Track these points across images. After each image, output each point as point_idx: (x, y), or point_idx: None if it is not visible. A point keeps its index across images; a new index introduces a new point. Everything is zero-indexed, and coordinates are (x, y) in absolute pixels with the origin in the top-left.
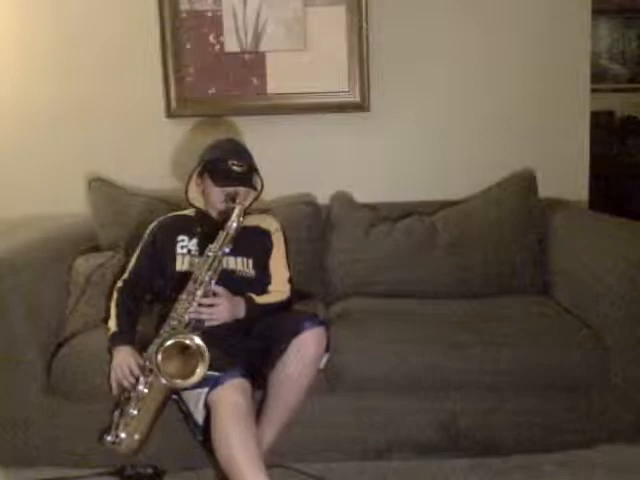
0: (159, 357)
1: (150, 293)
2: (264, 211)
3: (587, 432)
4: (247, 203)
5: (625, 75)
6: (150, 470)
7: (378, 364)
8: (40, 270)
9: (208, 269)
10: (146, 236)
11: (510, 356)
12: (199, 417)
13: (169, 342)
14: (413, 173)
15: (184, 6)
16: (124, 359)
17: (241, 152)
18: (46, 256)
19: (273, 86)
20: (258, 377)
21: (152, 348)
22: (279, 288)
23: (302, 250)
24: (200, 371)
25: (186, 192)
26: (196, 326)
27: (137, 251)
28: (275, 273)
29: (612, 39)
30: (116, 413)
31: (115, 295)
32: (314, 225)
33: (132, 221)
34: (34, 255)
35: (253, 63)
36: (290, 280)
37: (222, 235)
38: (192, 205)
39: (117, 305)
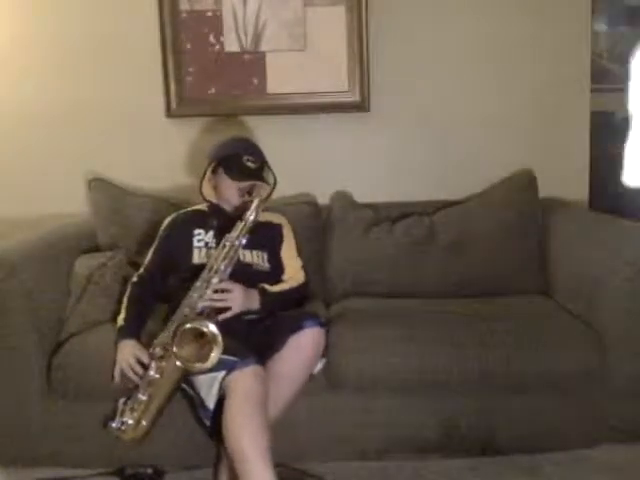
0: (175, 340)
1: (165, 288)
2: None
3: (587, 432)
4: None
5: (625, 75)
6: (150, 470)
7: (378, 364)
8: (40, 270)
9: (224, 258)
10: (161, 232)
11: (510, 356)
12: (211, 402)
13: (186, 326)
14: (413, 173)
15: (184, 6)
16: (130, 351)
17: (254, 149)
18: (46, 256)
19: (273, 86)
20: None
21: (165, 333)
22: (293, 275)
23: (302, 250)
24: (215, 355)
25: (200, 187)
26: (209, 314)
27: (153, 246)
28: (288, 262)
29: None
30: (121, 400)
31: (129, 289)
32: (314, 225)
33: (132, 221)
34: (34, 255)
35: (253, 63)
36: (303, 267)
37: (240, 225)
38: (206, 200)
39: (128, 299)
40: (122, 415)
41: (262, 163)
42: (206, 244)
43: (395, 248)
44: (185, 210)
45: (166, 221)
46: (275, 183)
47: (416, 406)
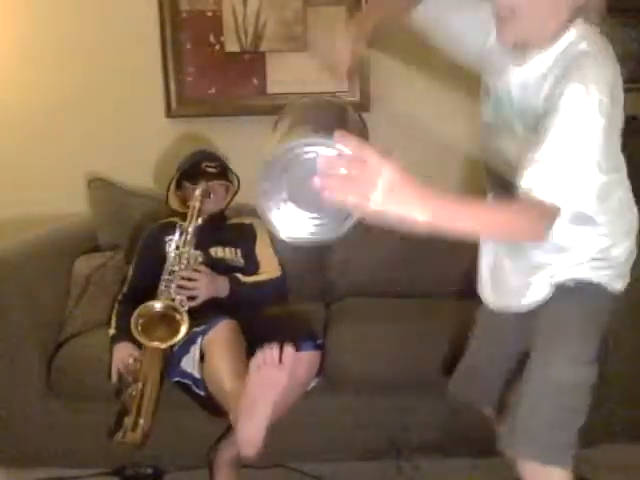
0: (138, 330)
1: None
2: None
3: (587, 432)
4: (228, 199)
5: (625, 75)
6: (150, 470)
7: (378, 364)
8: (40, 270)
9: (184, 244)
10: (138, 248)
11: None
12: (199, 372)
13: (139, 320)
14: (413, 173)
15: (184, 6)
16: (126, 352)
17: (213, 155)
18: (46, 256)
19: (273, 86)
20: None
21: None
22: (269, 269)
23: (302, 250)
24: (184, 321)
25: (167, 201)
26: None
27: (132, 264)
28: (263, 258)
29: (612, 39)
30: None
31: (116, 307)
32: None
33: (132, 221)
34: (34, 255)
35: (253, 63)
36: (280, 263)
37: (189, 211)
38: (174, 211)
39: (116, 316)
40: (122, 422)
41: (222, 167)
42: (177, 247)
43: (395, 248)
44: (157, 223)
45: (141, 237)
46: (239, 185)
47: (416, 405)
